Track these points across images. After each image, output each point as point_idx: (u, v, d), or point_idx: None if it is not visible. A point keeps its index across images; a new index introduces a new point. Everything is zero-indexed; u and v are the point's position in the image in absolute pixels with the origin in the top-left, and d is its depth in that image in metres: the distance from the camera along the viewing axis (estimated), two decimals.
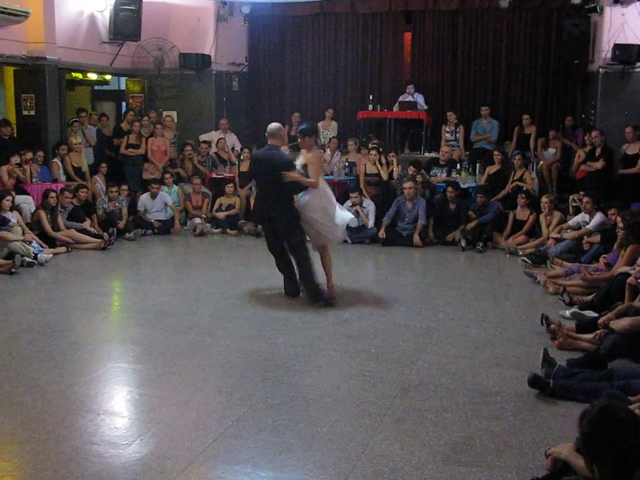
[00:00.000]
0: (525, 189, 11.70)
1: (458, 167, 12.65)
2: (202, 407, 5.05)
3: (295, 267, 7.98)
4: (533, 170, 12.68)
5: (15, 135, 12.44)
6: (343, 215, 8.23)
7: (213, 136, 14.39)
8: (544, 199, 10.76)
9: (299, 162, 7.85)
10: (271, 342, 6.45)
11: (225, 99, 15.30)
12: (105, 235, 11.33)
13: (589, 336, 6.25)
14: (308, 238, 8.03)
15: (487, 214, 11.21)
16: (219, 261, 10.95)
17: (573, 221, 10.19)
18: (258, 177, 8.34)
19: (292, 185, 7.70)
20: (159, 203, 12.64)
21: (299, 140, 8.06)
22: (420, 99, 14.37)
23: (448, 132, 13.79)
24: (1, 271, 9.27)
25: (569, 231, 10.14)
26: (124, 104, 16.06)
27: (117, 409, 5.10)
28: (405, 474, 4.09)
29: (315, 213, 7.80)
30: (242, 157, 13.39)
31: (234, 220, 12.65)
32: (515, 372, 5.68)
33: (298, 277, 8.01)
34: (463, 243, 10.99)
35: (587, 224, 9.76)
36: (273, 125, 8.00)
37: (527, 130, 13.38)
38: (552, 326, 6.48)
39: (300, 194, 8.01)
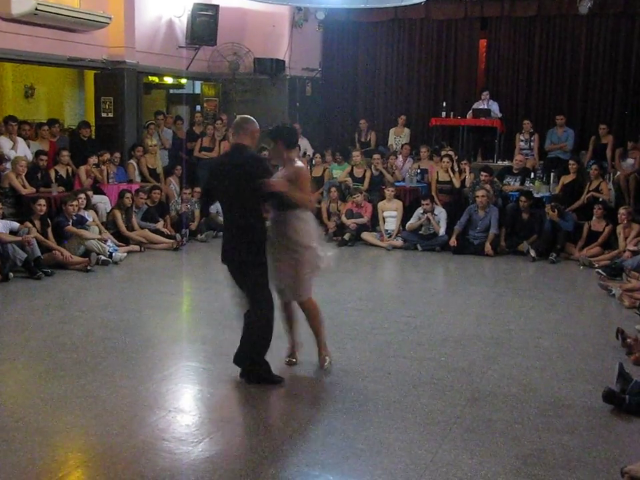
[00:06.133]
0: (601, 199, 11.43)
1: (532, 176, 12.43)
2: (271, 409, 5.09)
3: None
4: (609, 180, 12.37)
5: (94, 136, 12.79)
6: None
7: None
8: (621, 211, 10.48)
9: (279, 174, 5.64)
10: (340, 346, 6.44)
11: (297, 103, 15.40)
12: (178, 235, 11.52)
13: None
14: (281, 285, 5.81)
15: (567, 222, 10.97)
16: None
17: None
18: (219, 192, 5.62)
19: (276, 199, 5.43)
20: None
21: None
22: (494, 106, 14.21)
23: (522, 140, 13.58)
24: (78, 268, 9.55)
25: None
26: (198, 107, 16.33)
27: (187, 407, 5.18)
28: None
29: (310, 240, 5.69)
30: (314, 162, 13.46)
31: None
32: (589, 386, 5.55)
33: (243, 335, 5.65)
34: (533, 254, 10.78)
35: None
36: (239, 118, 5.73)
37: (603, 140, 13.09)
38: (628, 340, 6.31)
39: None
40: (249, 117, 5.68)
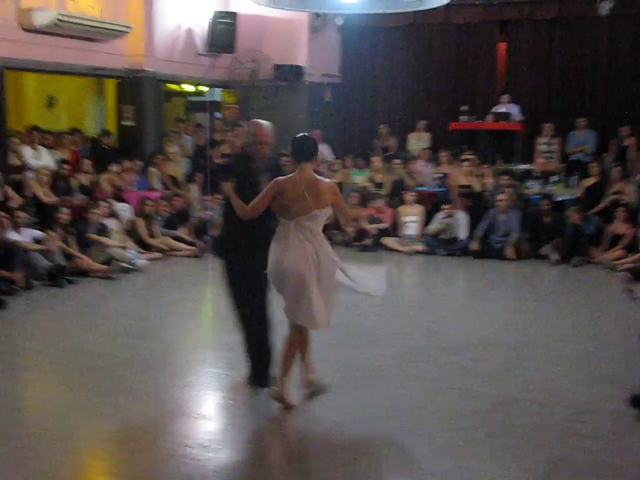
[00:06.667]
0: (624, 202, 11.32)
1: (553, 179, 12.35)
2: (294, 415, 5.07)
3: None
4: (632, 183, 12.23)
5: (115, 144, 12.87)
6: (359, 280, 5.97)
7: None
8: None
9: None
10: (362, 352, 6.44)
11: (317, 109, 15.39)
12: (199, 242, 11.55)
13: None
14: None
15: (590, 225, 10.88)
16: None
17: None
18: None
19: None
20: None
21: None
22: (515, 109, 14.12)
23: (543, 143, 13.47)
24: (100, 276, 9.59)
25: None
26: (218, 114, 16.37)
27: (210, 414, 5.19)
28: None
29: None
30: (334, 168, 13.45)
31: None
32: (613, 390, 5.49)
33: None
34: (555, 257, 10.70)
35: None
36: None
37: (625, 142, 12.97)
38: None
39: None
40: (253, 120, 5.52)
